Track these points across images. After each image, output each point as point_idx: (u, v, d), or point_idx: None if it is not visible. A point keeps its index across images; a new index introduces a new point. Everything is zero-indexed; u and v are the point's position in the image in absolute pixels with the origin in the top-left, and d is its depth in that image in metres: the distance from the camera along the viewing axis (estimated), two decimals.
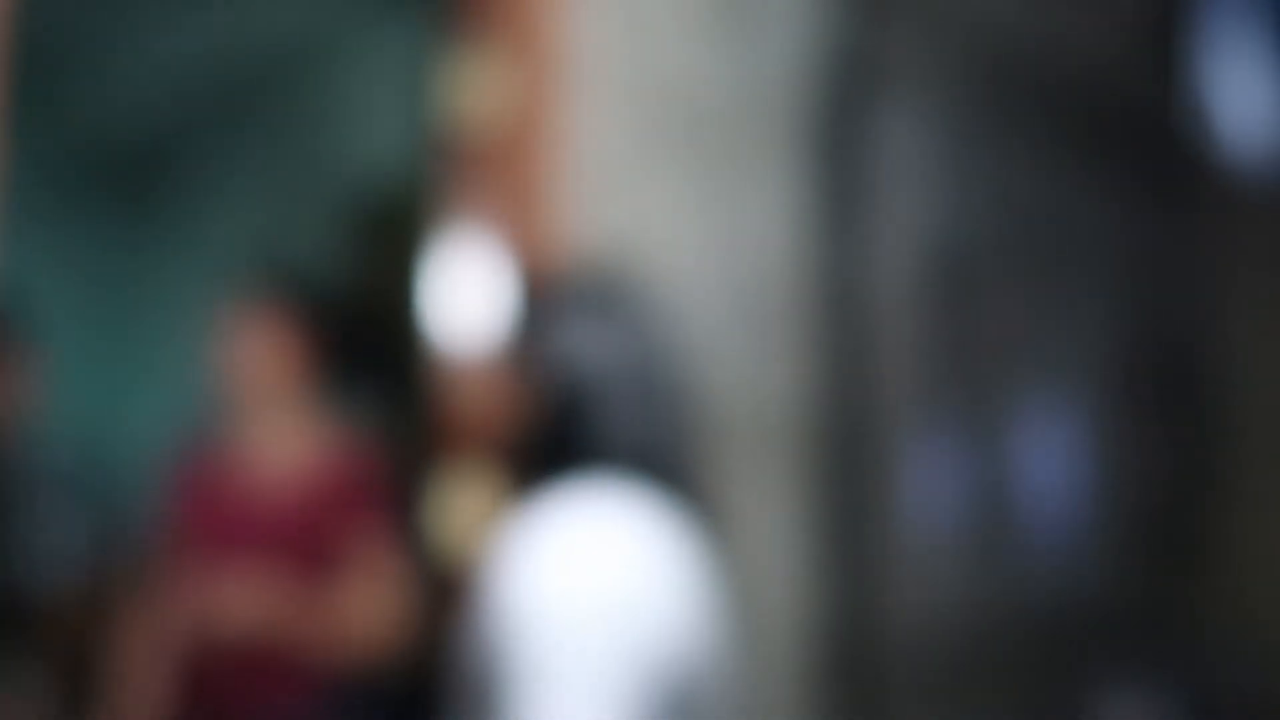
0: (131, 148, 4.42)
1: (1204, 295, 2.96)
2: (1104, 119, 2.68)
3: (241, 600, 1.81)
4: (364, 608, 1.91)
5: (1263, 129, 2.07)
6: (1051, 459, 2.57)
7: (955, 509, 2.33)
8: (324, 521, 1.93)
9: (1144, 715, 2.37)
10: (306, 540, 1.92)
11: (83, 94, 4.04)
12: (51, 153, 4.37)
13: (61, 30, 3.53)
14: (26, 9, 1.74)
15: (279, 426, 2.01)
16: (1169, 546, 2.83)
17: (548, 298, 1.25)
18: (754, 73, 2.00)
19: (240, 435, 2.04)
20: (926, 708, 2.19)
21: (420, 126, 3.10)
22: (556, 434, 1.18)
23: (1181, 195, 2.91)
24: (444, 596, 1.76)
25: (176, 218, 4.33)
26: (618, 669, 1.04)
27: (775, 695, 1.95)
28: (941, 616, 2.24)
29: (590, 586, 1.07)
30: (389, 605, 1.92)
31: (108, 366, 4.34)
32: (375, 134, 3.45)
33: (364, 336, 3.39)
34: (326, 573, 1.92)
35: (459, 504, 1.75)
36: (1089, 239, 2.69)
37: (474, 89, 1.81)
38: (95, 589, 3.26)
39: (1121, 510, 2.74)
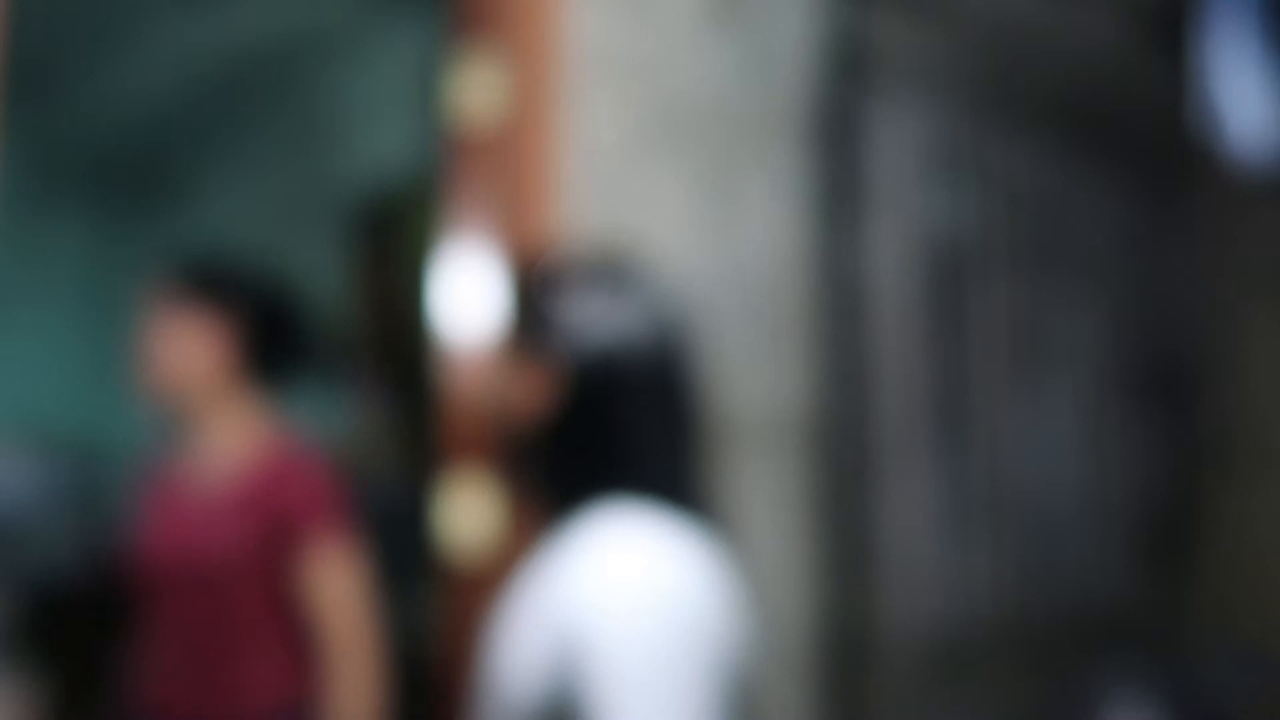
0: (133, 147, 4.42)
1: (1204, 294, 2.96)
2: (1106, 114, 2.68)
3: None
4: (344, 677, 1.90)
5: (1264, 126, 2.07)
6: (1049, 459, 2.57)
7: (953, 508, 2.33)
8: (276, 514, 1.88)
9: (1137, 714, 2.37)
10: (261, 533, 1.88)
11: (83, 92, 4.04)
12: (51, 152, 4.37)
13: (62, 28, 3.53)
14: (27, 7, 1.74)
15: (220, 426, 1.95)
16: (1163, 547, 2.83)
17: (555, 275, 1.22)
18: (754, 69, 2.00)
19: (188, 440, 1.98)
20: (923, 706, 2.18)
21: (422, 125, 3.10)
22: (579, 412, 1.14)
23: (1182, 191, 2.92)
24: (458, 602, 1.75)
25: (178, 217, 4.33)
26: (695, 687, 1.02)
27: (776, 693, 1.94)
28: (939, 616, 2.24)
29: (657, 606, 1.03)
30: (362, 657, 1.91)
31: (106, 368, 4.33)
32: (377, 132, 3.45)
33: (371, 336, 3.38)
34: (284, 564, 1.89)
35: (470, 507, 1.74)
36: (1090, 235, 2.69)
37: (475, 87, 1.81)
38: (89, 594, 3.25)
39: (1116, 510, 2.74)
